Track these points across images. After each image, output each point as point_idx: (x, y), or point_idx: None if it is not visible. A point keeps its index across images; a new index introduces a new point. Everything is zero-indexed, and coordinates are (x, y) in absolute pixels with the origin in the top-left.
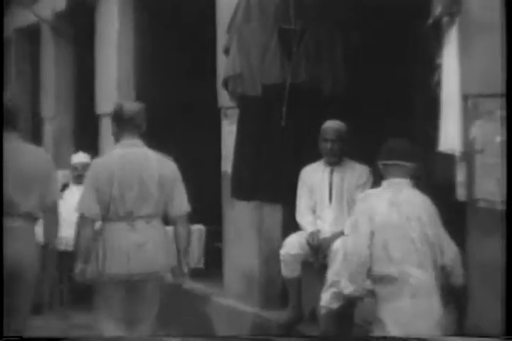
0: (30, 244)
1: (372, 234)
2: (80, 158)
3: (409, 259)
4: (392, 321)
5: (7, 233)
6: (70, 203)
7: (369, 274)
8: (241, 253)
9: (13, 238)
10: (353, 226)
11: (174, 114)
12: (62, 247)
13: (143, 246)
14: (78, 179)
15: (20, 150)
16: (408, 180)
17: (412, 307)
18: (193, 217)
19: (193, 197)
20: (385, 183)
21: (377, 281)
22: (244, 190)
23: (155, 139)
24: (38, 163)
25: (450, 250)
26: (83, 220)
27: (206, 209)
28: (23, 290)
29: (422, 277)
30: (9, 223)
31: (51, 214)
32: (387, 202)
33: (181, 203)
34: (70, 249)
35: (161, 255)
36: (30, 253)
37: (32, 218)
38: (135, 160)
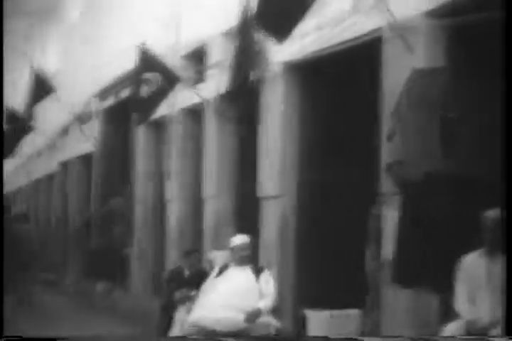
0: None
1: None
2: (240, 239)
3: None
4: None
5: None
6: (231, 284)
7: None
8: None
9: None
10: None
11: (333, 197)
12: (219, 328)
13: None
14: (238, 260)
15: None
16: None
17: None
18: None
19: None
20: None
21: None
22: (406, 276)
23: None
24: None
25: None
26: None
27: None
28: None
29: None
30: None
31: None
32: None
33: None
34: (227, 329)
35: None
36: None
37: None
38: None
